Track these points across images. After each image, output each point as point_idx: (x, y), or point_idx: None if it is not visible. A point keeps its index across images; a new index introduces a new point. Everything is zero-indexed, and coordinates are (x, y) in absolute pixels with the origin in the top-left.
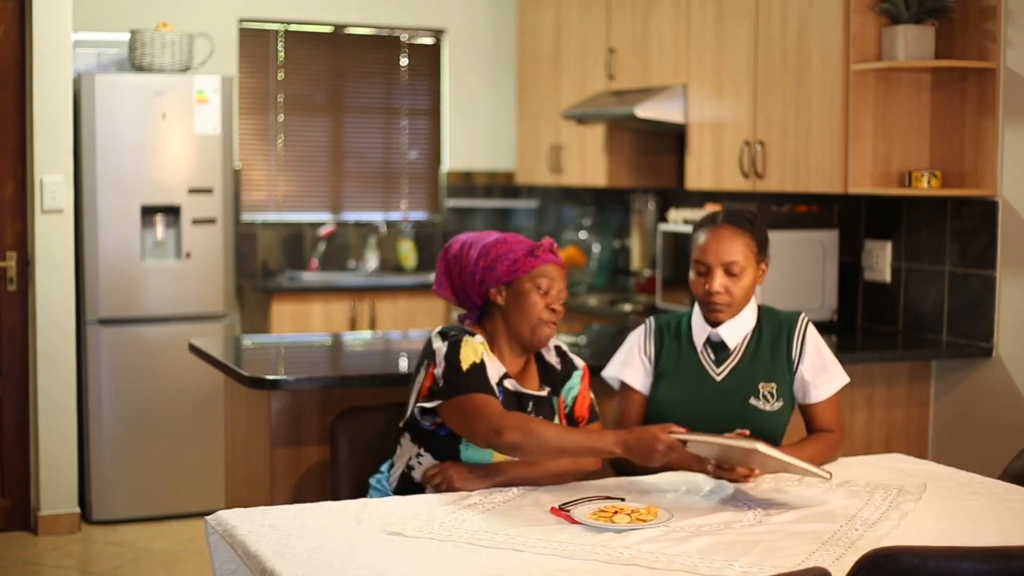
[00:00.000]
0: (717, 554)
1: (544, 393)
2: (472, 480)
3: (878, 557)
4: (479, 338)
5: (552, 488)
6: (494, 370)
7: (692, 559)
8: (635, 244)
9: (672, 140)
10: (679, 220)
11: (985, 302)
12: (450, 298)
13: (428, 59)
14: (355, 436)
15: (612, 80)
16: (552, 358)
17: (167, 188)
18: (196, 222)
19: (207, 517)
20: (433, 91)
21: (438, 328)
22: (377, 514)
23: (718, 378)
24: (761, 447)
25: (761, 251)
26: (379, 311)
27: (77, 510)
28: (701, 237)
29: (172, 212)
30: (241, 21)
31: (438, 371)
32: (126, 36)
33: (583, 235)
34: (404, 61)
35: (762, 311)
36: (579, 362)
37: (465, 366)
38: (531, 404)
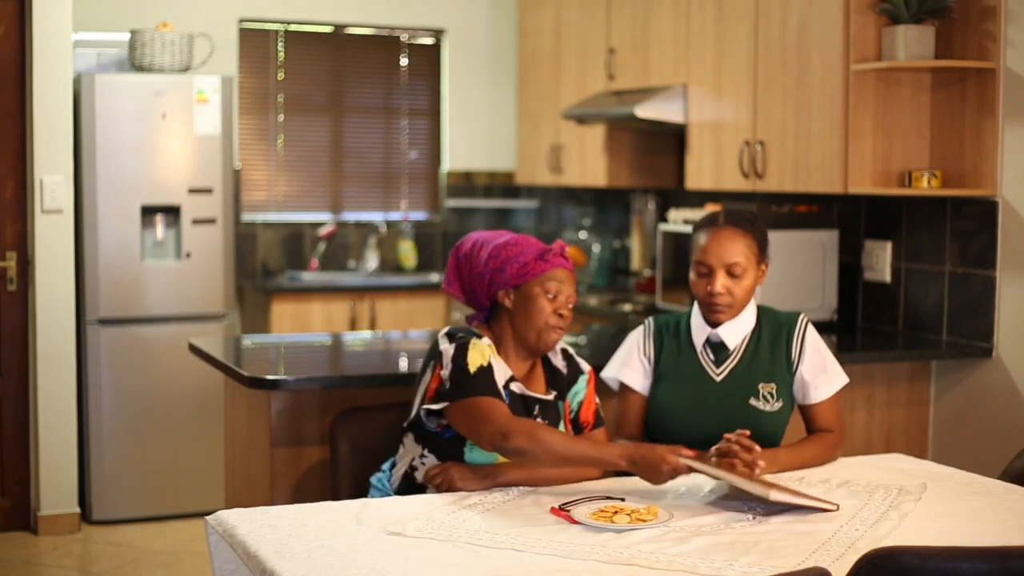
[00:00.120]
0: (717, 554)
1: (550, 397)
2: (473, 480)
3: (878, 557)
4: (486, 340)
5: (552, 488)
6: (501, 373)
7: (692, 559)
8: (635, 244)
9: (672, 140)
10: (679, 220)
11: (985, 302)
12: (459, 297)
13: (428, 59)
14: (355, 436)
15: (612, 80)
16: (559, 362)
17: (167, 188)
18: (196, 222)
19: (207, 517)
20: (433, 91)
21: (445, 329)
22: (377, 514)
23: (718, 379)
24: (775, 494)
25: (762, 252)
26: (379, 311)
27: (77, 510)
28: (702, 238)
29: (172, 212)
30: (241, 21)
31: (445, 373)
32: (126, 36)
33: (583, 235)
34: (404, 61)
35: (761, 311)
36: (585, 366)
37: (472, 369)
38: (537, 408)
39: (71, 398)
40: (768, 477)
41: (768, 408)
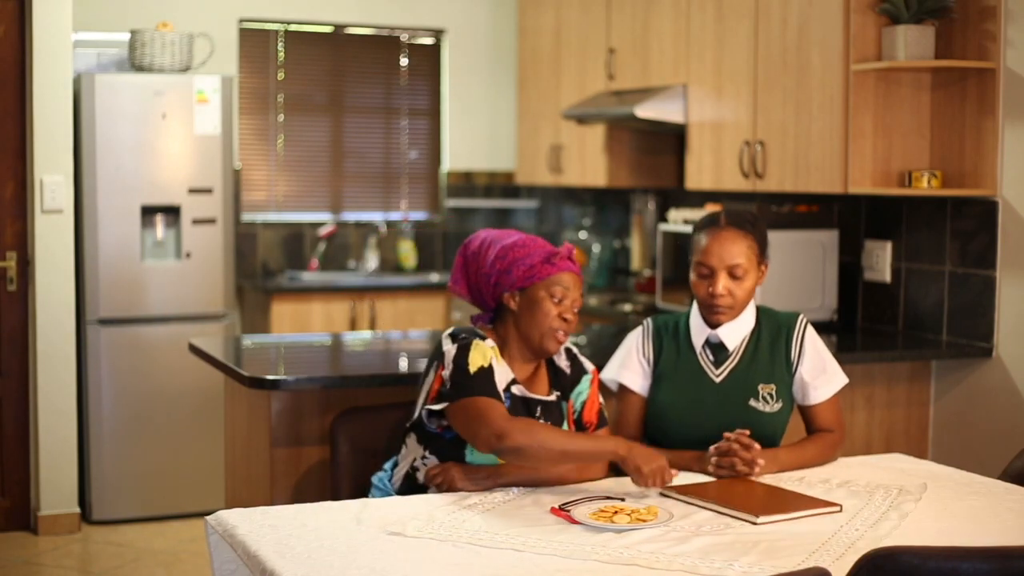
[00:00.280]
0: (717, 554)
1: (553, 398)
2: (474, 481)
3: (878, 557)
4: (490, 342)
5: (552, 488)
6: (502, 375)
7: (692, 559)
8: (635, 244)
9: (672, 140)
10: (679, 220)
11: (985, 302)
12: (465, 297)
13: (428, 59)
14: (355, 436)
15: (612, 80)
16: (562, 362)
17: (167, 188)
18: (196, 222)
19: (207, 517)
20: (433, 91)
21: (449, 330)
22: (377, 514)
23: (717, 379)
24: (763, 519)
25: (762, 253)
26: (379, 311)
27: (77, 510)
28: (703, 239)
29: (172, 212)
30: (241, 21)
31: (446, 373)
32: (126, 36)
33: (583, 235)
34: (404, 61)
35: (760, 312)
36: (589, 366)
37: (472, 369)
38: (539, 409)
39: (71, 398)
40: (768, 478)
41: (768, 409)
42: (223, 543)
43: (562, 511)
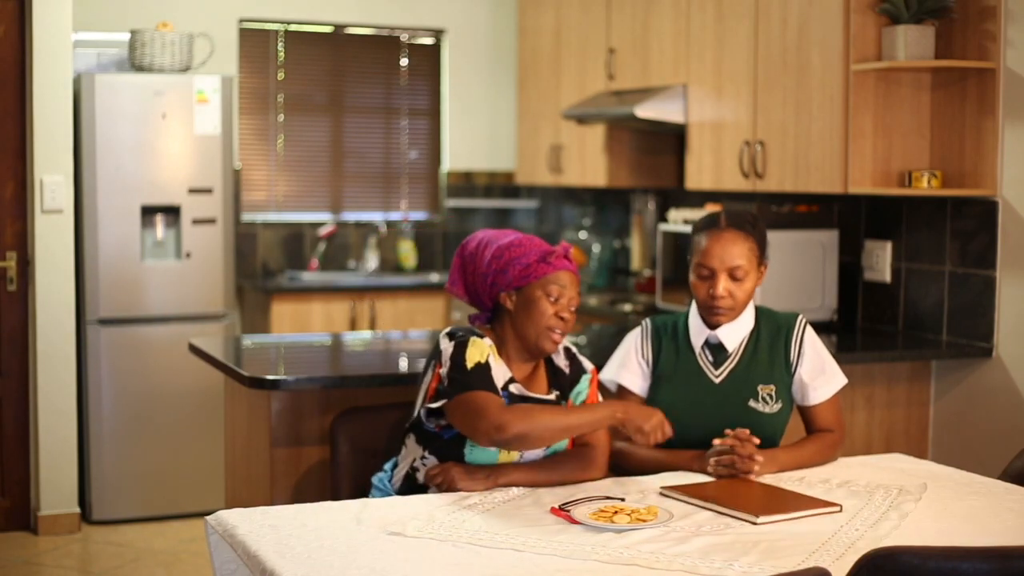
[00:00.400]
0: (717, 554)
1: (552, 397)
2: (474, 480)
3: (878, 557)
4: (487, 340)
5: (552, 488)
6: (499, 374)
7: (692, 559)
8: (635, 244)
9: (672, 140)
10: (679, 220)
11: (985, 302)
12: (462, 297)
13: (428, 59)
14: (355, 436)
15: (612, 80)
16: (561, 361)
17: (167, 188)
18: (196, 222)
19: (207, 517)
20: (433, 91)
21: (447, 329)
22: (377, 514)
23: (717, 380)
24: (763, 519)
25: (762, 253)
26: (379, 311)
27: (77, 510)
28: (703, 240)
29: (172, 212)
30: (241, 21)
31: (443, 371)
32: (126, 36)
33: (583, 235)
34: (404, 61)
35: (760, 312)
36: (588, 365)
37: (469, 365)
38: None
39: (71, 398)
40: (768, 478)
41: (767, 410)
42: (223, 543)
43: (562, 511)
